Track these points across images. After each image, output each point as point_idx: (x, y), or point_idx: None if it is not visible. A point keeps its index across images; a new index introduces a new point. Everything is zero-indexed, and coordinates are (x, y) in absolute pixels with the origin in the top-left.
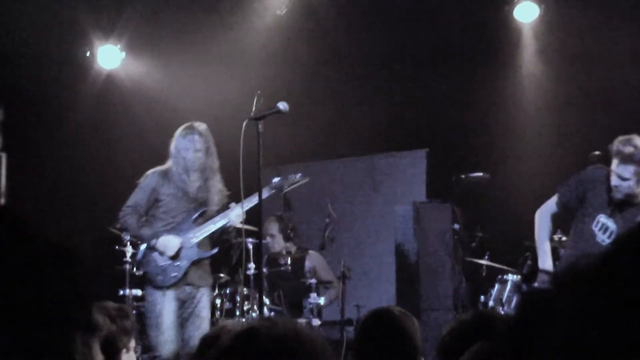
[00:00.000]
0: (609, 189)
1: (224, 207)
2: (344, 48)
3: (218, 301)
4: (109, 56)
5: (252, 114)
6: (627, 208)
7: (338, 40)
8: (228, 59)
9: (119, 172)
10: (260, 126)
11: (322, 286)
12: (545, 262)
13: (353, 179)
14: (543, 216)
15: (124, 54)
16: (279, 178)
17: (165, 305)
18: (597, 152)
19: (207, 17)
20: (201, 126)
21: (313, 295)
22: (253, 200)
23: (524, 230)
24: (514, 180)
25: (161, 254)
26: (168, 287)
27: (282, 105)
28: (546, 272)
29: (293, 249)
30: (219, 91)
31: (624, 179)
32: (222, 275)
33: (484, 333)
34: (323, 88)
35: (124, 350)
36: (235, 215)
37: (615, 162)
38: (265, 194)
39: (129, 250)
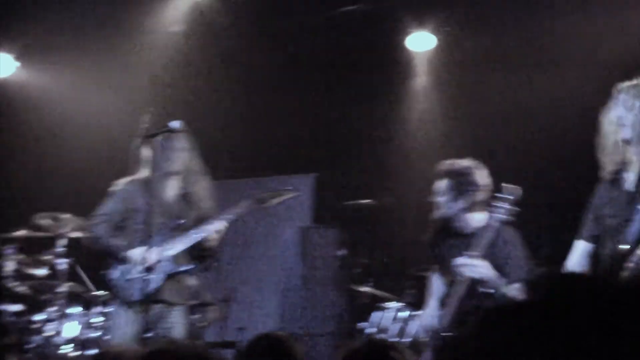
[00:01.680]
0: None
1: (205, 219)
2: (238, 69)
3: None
4: (1, 65)
5: (143, 130)
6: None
7: (234, 60)
8: (124, 74)
9: (7, 185)
10: (152, 145)
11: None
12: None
13: (238, 201)
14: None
15: (18, 63)
16: (263, 190)
17: (130, 326)
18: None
19: (105, 31)
20: (181, 125)
21: (194, 317)
22: (234, 213)
23: (408, 258)
24: (401, 208)
25: (132, 266)
26: (135, 304)
27: (174, 124)
28: None
29: None
30: (114, 106)
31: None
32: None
33: None
34: (214, 107)
35: None
36: (214, 229)
37: None
38: (247, 207)
39: (8, 264)
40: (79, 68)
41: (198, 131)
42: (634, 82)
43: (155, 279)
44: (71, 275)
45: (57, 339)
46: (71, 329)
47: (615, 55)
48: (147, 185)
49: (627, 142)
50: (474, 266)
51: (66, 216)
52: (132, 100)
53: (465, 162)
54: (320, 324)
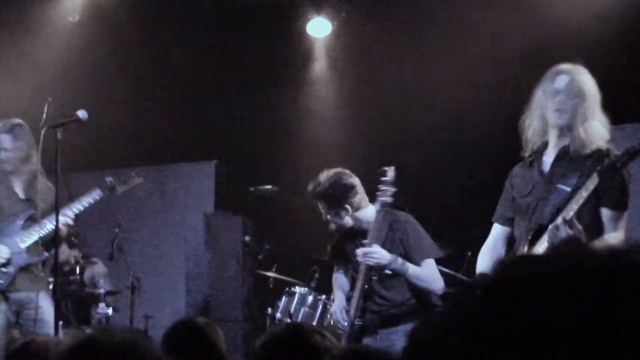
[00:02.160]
0: None
1: (53, 210)
2: (139, 57)
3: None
4: None
5: (44, 120)
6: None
7: (133, 48)
8: (21, 63)
9: None
10: (59, 134)
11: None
12: None
13: (144, 189)
14: None
15: None
16: (111, 178)
17: None
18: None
19: (4, 20)
20: (9, 123)
21: (102, 305)
22: (84, 203)
23: (311, 243)
24: (303, 193)
25: None
26: None
27: (82, 114)
28: None
29: (79, 256)
30: (11, 96)
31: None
32: None
33: (298, 346)
34: (114, 96)
35: None
36: (64, 219)
37: None
38: (97, 195)
39: None
40: None
41: (99, 120)
42: (573, 65)
43: (9, 272)
44: None
45: None
46: None
47: (516, 45)
48: None
49: (562, 127)
50: (369, 253)
51: None
52: (32, 90)
53: (325, 177)
54: (227, 310)
